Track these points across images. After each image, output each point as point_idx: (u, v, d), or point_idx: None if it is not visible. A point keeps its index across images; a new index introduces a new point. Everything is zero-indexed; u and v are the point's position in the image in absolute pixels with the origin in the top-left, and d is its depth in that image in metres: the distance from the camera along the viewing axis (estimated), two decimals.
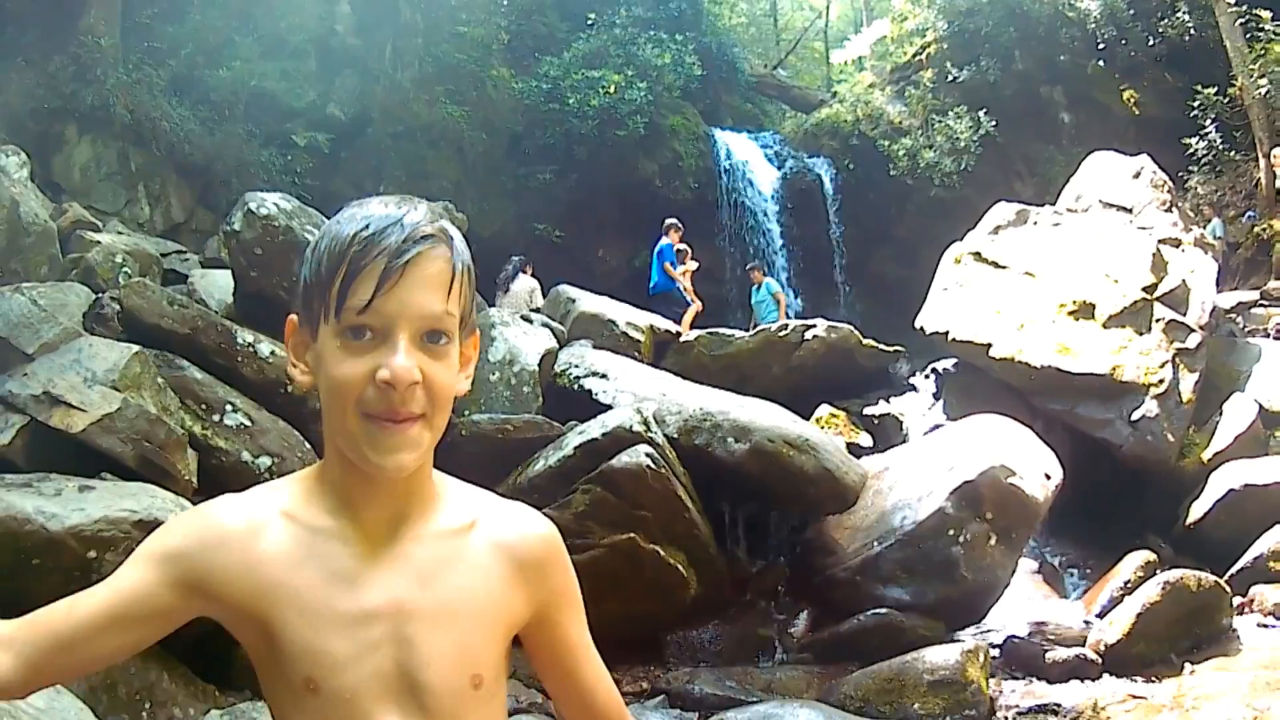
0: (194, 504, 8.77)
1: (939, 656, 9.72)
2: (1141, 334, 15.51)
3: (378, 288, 2.04)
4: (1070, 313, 15.96)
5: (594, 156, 30.27)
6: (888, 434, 16.29)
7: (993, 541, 11.53)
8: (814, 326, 17.59)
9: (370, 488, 2.19)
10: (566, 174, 30.53)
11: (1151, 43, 30.22)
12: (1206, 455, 14.83)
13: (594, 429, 11.66)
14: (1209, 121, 27.34)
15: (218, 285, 14.45)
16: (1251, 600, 12.28)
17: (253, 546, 2.15)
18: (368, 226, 2.09)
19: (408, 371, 2.04)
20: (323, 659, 2.11)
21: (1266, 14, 25.85)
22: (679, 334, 17.79)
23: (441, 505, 2.31)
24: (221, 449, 10.32)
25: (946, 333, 16.87)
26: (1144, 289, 15.92)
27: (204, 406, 10.56)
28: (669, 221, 23.52)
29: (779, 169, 33.75)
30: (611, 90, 29.92)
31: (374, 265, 2.05)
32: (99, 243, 15.85)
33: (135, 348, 10.21)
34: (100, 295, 12.33)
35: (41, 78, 23.04)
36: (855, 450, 14.91)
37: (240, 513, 2.20)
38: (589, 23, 32.84)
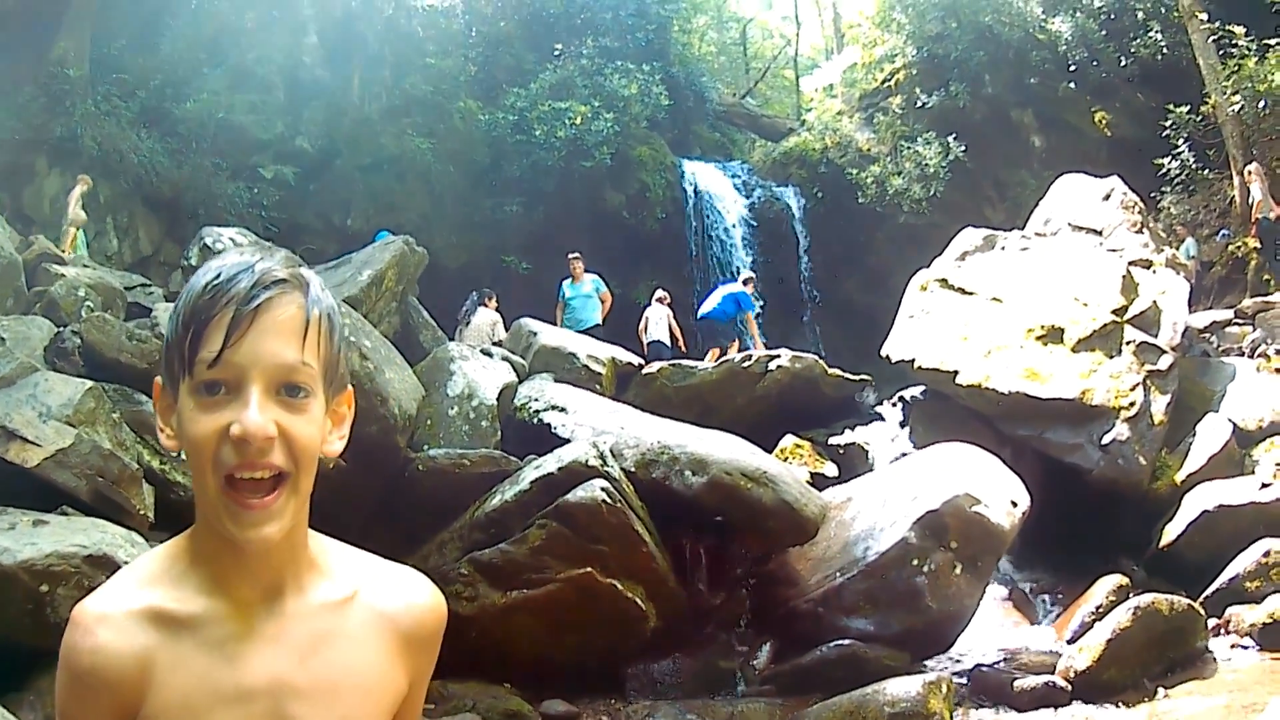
0: (149, 539, 8.88)
1: (900, 688, 9.51)
2: (1112, 357, 15.42)
3: (226, 338, 1.95)
4: (1039, 337, 15.88)
5: (561, 188, 30.35)
6: (853, 463, 16.17)
7: (958, 570, 11.41)
8: (778, 357, 17.59)
9: (242, 560, 2.08)
10: (534, 205, 30.57)
11: (1123, 63, 30.25)
12: (1180, 477, 14.70)
13: (550, 463, 11.58)
14: (1182, 140, 27.33)
15: None
16: (1227, 622, 12.11)
17: (129, 671, 2.02)
18: (219, 275, 2.01)
19: (260, 427, 1.94)
20: None
21: (1240, 30, 25.80)
22: (641, 366, 17.80)
23: (321, 575, 2.21)
24: (179, 484, 10.43)
25: (913, 360, 16.81)
26: (1114, 311, 15.84)
27: None
28: (747, 274, 24.81)
29: (747, 198, 33.99)
30: (578, 121, 29.99)
31: (222, 314, 1.96)
32: (63, 276, 15.80)
33: (89, 383, 10.31)
34: (62, 330, 12.41)
35: (11, 108, 23.22)
36: (820, 480, 14.89)
37: (112, 634, 2.04)
38: (556, 54, 33.05)
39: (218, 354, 1.93)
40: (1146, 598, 11.13)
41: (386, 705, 2.19)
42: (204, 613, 2.06)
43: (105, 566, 7.89)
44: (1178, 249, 22.47)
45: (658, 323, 23.66)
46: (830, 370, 17.98)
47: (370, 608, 2.21)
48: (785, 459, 15.40)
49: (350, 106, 29.37)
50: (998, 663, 11.83)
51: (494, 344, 17.97)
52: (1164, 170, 27.41)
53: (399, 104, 29.88)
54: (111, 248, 23.69)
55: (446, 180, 30.06)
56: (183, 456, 2.07)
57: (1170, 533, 13.96)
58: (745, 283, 24.25)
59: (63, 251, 19.85)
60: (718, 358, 19.81)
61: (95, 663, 2.01)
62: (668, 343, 23.32)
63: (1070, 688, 10.54)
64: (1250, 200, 24.06)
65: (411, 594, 2.29)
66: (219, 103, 26.64)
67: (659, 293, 24.58)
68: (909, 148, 31.66)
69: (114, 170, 24.10)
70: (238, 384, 1.95)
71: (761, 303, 25.18)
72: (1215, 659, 11.14)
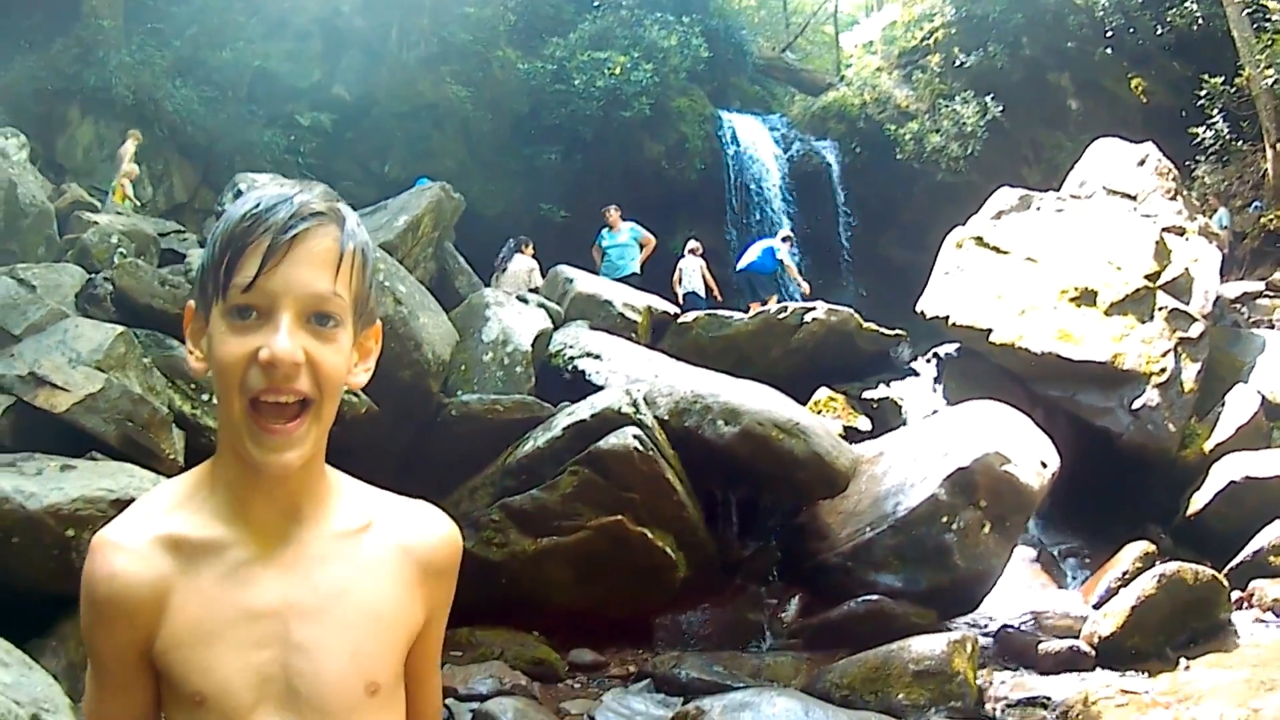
0: None
1: (925, 646, 9.62)
2: (1144, 322, 15.39)
3: (262, 265, 1.99)
4: (1072, 299, 15.82)
5: (600, 138, 30.24)
6: (886, 418, 16.13)
7: (986, 529, 11.43)
8: (813, 309, 17.49)
9: (260, 483, 2.12)
10: (572, 155, 30.45)
11: (1159, 31, 30.14)
12: (1208, 446, 14.69)
13: (583, 410, 11.66)
14: (1216, 111, 27.25)
15: None
16: (1250, 595, 12.06)
17: (146, 598, 2.08)
18: (258, 205, 2.04)
19: (289, 352, 1.99)
20: (211, 673, 2.06)
21: (1274, 4, 25.78)
22: (676, 316, 17.75)
23: (336, 504, 2.25)
24: (210, 428, 10.33)
25: (947, 317, 16.75)
26: (1147, 277, 15.80)
27: (193, 386, 10.69)
28: (786, 232, 25.47)
29: (786, 152, 33.75)
30: (617, 71, 29.86)
31: (259, 242, 2.00)
32: (95, 224, 15.88)
33: (119, 329, 10.31)
34: (94, 276, 12.39)
35: (45, 59, 23.27)
36: (853, 434, 14.89)
37: (129, 561, 2.10)
38: (595, 4, 32.75)
39: (252, 280, 1.98)
40: (1172, 566, 11.12)
41: (401, 634, 2.24)
42: (221, 538, 2.11)
43: None
44: (1211, 218, 22.39)
45: (692, 274, 23.62)
46: (865, 324, 17.92)
47: (386, 537, 2.25)
48: (819, 412, 15.43)
49: (388, 54, 29.26)
50: (1023, 624, 11.85)
51: (530, 291, 17.97)
52: (1198, 140, 27.33)
53: (437, 52, 29.71)
54: (146, 195, 23.69)
55: (484, 128, 29.99)
56: (207, 398, 2.11)
57: (1197, 502, 13.94)
58: (784, 240, 24.40)
59: (114, 203, 19.98)
60: (758, 310, 19.80)
61: (113, 589, 2.07)
62: (702, 294, 23.25)
63: (1094, 653, 10.52)
64: None
65: (427, 525, 2.33)
66: (255, 51, 26.64)
67: (692, 243, 24.55)
68: (947, 106, 31.54)
69: (149, 119, 24.12)
70: (269, 310, 2.00)
71: (798, 256, 25.33)
72: (1237, 632, 11.09)
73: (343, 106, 28.28)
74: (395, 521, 2.28)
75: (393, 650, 2.21)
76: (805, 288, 23.77)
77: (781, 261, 23.70)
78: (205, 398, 10.54)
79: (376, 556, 2.22)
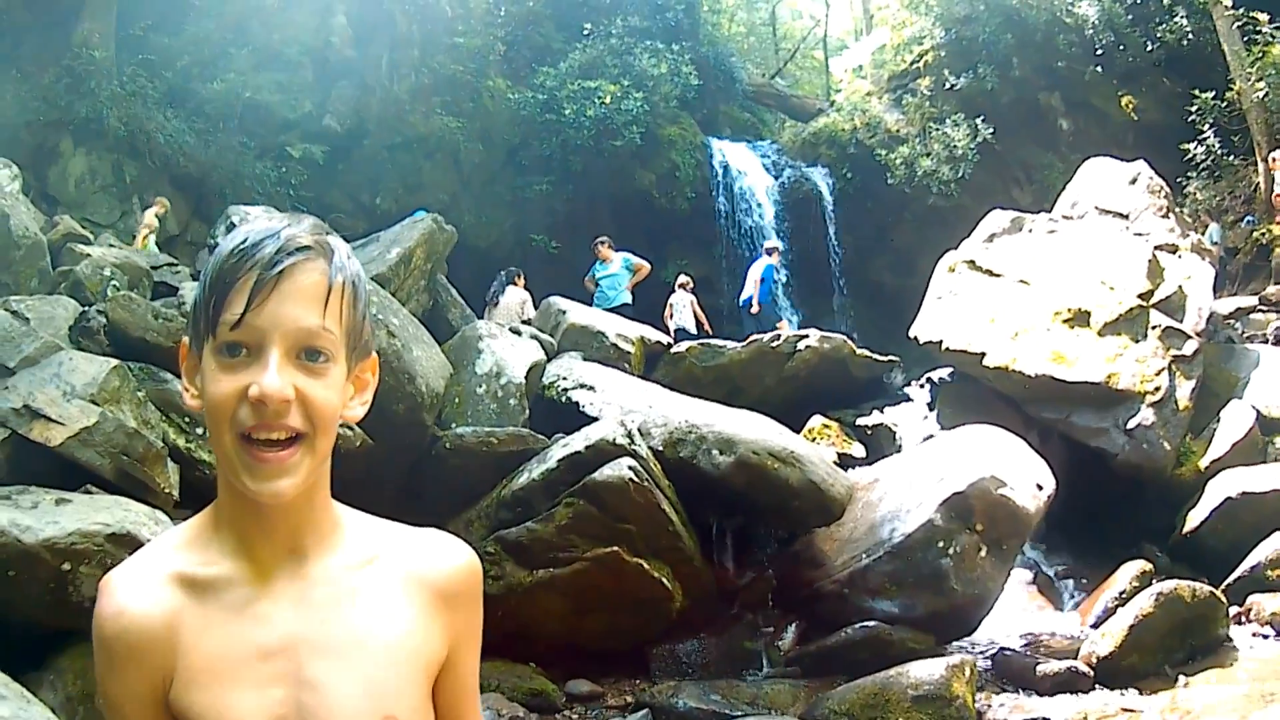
0: (173, 517, 8.83)
1: (923, 671, 9.57)
2: (1137, 341, 15.34)
3: (249, 302, 1.99)
4: (1065, 320, 15.80)
5: (590, 167, 30.27)
6: (881, 444, 16.21)
7: (983, 553, 11.40)
8: (806, 337, 17.49)
9: (262, 519, 2.11)
10: (563, 185, 30.49)
11: (1150, 47, 30.03)
12: (1203, 463, 14.64)
13: (577, 441, 11.58)
14: (1207, 126, 27.15)
15: None
16: (1249, 610, 12.04)
17: (156, 634, 2.06)
18: (245, 240, 2.04)
19: (278, 390, 1.97)
20: (226, 716, 2.02)
21: (1264, 16, 25.71)
22: (669, 345, 17.69)
23: (342, 538, 2.22)
24: (205, 462, 10.27)
25: (940, 342, 16.75)
26: (1140, 296, 15.76)
27: (187, 420, 10.57)
28: (772, 244, 25.58)
29: (777, 178, 33.73)
30: (607, 101, 29.87)
31: (246, 279, 2.00)
32: (88, 256, 15.81)
33: (114, 362, 10.22)
34: (87, 309, 12.27)
35: (36, 90, 23.19)
36: (848, 461, 14.91)
37: (136, 598, 2.08)
38: (585, 33, 32.81)
39: (240, 317, 1.98)
40: (1169, 584, 11.15)
41: (419, 666, 2.19)
42: (227, 575, 2.10)
43: (128, 545, 7.80)
44: (1203, 234, 22.40)
45: (682, 309, 23.69)
46: (859, 351, 17.96)
47: (396, 568, 2.22)
48: (813, 439, 15.45)
49: (379, 86, 29.24)
50: (1021, 647, 11.89)
51: (523, 322, 17.91)
52: (1190, 156, 27.25)
53: (428, 83, 29.79)
54: (138, 227, 23.75)
55: (475, 160, 30.02)
56: (202, 432, 2.10)
57: (1193, 519, 13.90)
58: (769, 252, 24.55)
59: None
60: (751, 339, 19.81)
61: (121, 626, 2.05)
62: (693, 329, 23.29)
63: (1092, 673, 10.54)
64: (1274, 187, 24.00)
65: (442, 552, 2.29)
66: (246, 83, 26.60)
67: (681, 278, 24.65)
68: (937, 129, 31.51)
69: (140, 150, 24.19)
70: (258, 347, 1.99)
71: (778, 268, 25.41)
72: (1236, 647, 11.12)
73: (334, 138, 28.26)
74: (406, 552, 2.26)
75: (410, 683, 2.16)
76: (755, 308, 23.92)
77: (772, 280, 23.78)
78: (199, 432, 10.46)
79: (386, 588, 2.19)
